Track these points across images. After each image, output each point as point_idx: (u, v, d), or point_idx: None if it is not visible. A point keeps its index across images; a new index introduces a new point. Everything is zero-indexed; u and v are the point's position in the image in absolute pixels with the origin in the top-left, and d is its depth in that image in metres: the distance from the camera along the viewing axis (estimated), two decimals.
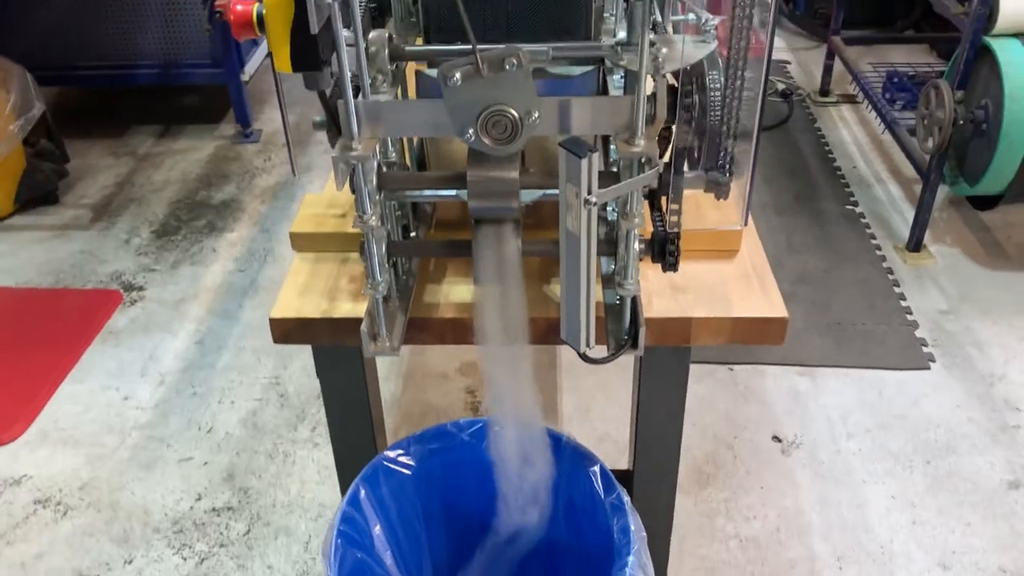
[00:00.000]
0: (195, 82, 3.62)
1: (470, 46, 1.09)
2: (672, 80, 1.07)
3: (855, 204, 3.18)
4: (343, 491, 1.48)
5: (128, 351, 2.54)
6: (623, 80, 1.13)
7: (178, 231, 3.11)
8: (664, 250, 1.08)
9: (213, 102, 3.92)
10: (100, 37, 3.45)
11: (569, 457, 1.26)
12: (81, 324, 2.65)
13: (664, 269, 1.11)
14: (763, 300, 1.24)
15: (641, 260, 1.11)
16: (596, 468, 1.22)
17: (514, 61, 0.88)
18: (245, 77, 3.57)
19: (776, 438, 2.22)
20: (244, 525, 2.02)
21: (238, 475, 2.14)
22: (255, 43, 3.75)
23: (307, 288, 1.29)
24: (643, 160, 0.98)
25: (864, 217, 3.11)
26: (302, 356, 2.48)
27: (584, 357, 1.08)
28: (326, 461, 2.16)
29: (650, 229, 1.13)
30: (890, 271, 2.81)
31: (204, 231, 3.11)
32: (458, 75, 0.89)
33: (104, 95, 4.03)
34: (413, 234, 1.29)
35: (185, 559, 1.94)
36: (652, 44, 0.93)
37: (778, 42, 4.56)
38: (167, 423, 2.30)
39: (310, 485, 2.11)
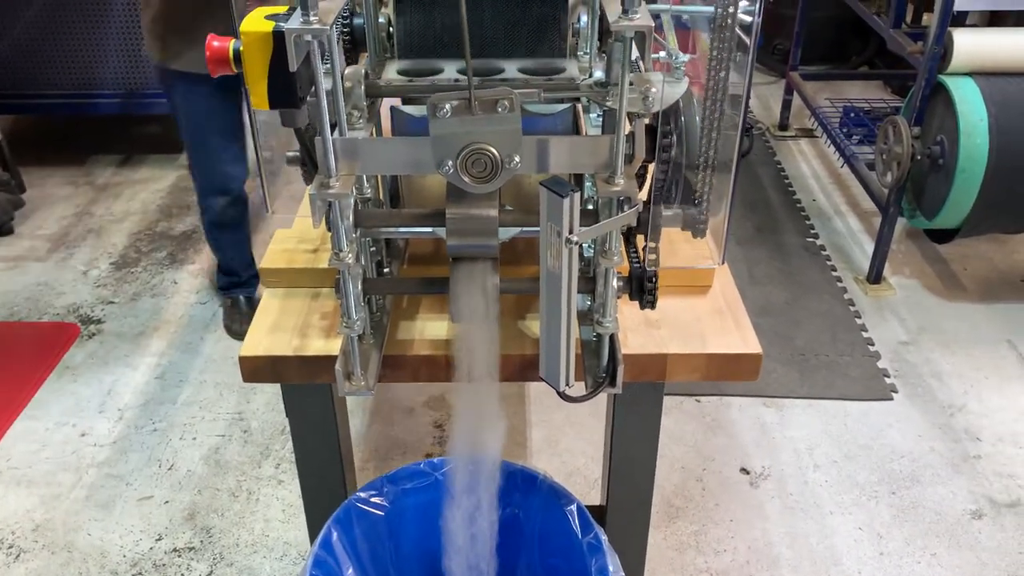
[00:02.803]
0: (157, 112, 3.57)
1: (446, 82, 1.10)
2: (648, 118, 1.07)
3: (815, 236, 3.24)
4: (311, 530, 1.45)
5: (85, 386, 2.48)
6: (600, 118, 1.13)
7: (138, 263, 3.05)
8: (642, 288, 1.08)
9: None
10: (59, 65, 3.39)
11: (545, 496, 1.24)
12: (37, 358, 2.58)
13: (642, 306, 1.11)
14: (737, 337, 1.25)
15: (618, 297, 1.10)
16: (573, 507, 1.21)
17: (506, 104, 0.88)
18: None
19: (744, 470, 2.23)
20: (206, 566, 1.96)
21: (200, 514, 2.09)
22: None
23: (277, 325, 1.27)
24: (622, 199, 0.98)
25: (824, 249, 3.16)
26: (266, 391, 2.44)
27: (563, 396, 1.08)
28: (291, 499, 2.12)
29: (627, 266, 1.13)
30: (851, 303, 2.86)
31: (165, 263, 3.05)
32: (448, 107, 0.88)
33: (63, 124, 3.97)
34: (387, 270, 1.28)
35: None
36: (631, 84, 0.94)
37: (738, 77, 4.64)
38: (126, 460, 2.24)
39: (275, 524, 2.06)
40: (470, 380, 1.07)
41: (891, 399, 2.46)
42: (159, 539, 2.02)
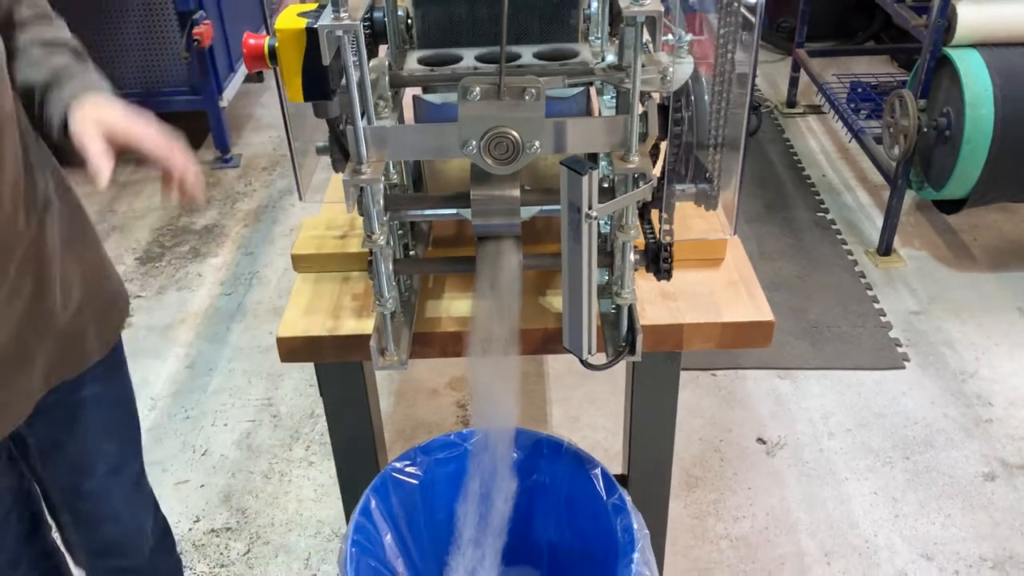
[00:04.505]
0: (173, 109, 3.63)
1: (466, 70, 1.15)
2: (658, 98, 1.13)
3: (825, 211, 3.28)
4: (345, 504, 1.53)
5: None
6: (613, 100, 1.19)
7: (162, 257, 3.13)
8: (658, 260, 1.13)
9: (192, 128, 3.93)
10: None
11: (570, 461, 1.31)
12: None
13: (658, 278, 1.17)
14: (750, 305, 1.31)
15: (635, 270, 1.16)
16: (597, 471, 1.27)
17: (533, 92, 0.93)
18: (223, 103, 3.60)
19: (761, 440, 2.28)
20: (244, 545, 2.04)
21: (235, 496, 2.16)
22: (232, 69, 3.79)
23: (311, 308, 1.33)
24: (637, 175, 1.04)
25: (835, 224, 3.20)
26: (293, 377, 2.51)
27: (586, 364, 1.14)
28: (322, 479, 2.19)
29: (643, 241, 1.19)
30: (862, 275, 2.90)
31: (188, 256, 3.13)
32: (478, 91, 0.94)
33: None
34: (412, 252, 1.34)
35: None
36: (644, 65, 0.99)
37: (745, 56, 4.66)
38: (161, 447, 2.31)
39: (307, 503, 2.14)
40: (490, 353, 1.12)
41: (903, 368, 2.51)
42: (197, 520, 2.10)
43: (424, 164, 1.38)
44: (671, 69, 1.01)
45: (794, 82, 4.05)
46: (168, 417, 2.41)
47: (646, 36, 1.03)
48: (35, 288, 1.07)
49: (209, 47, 3.38)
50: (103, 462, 1.28)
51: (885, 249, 2.98)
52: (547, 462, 1.33)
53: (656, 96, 1.10)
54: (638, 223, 1.10)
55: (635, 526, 1.18)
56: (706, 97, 1.05)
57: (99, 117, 1.01)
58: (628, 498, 1.23)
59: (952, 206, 2.93)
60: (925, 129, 2.68)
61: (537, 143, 1.00)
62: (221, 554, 2.02)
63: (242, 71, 3.86)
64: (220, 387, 2.51)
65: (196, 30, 3.28)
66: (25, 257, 1.05)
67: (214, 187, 3.57)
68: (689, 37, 1.03)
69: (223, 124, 3.64)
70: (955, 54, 2.57)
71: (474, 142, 0.99)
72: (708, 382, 2.47)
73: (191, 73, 3.47)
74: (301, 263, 1.42)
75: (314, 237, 1.45)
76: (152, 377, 2.55)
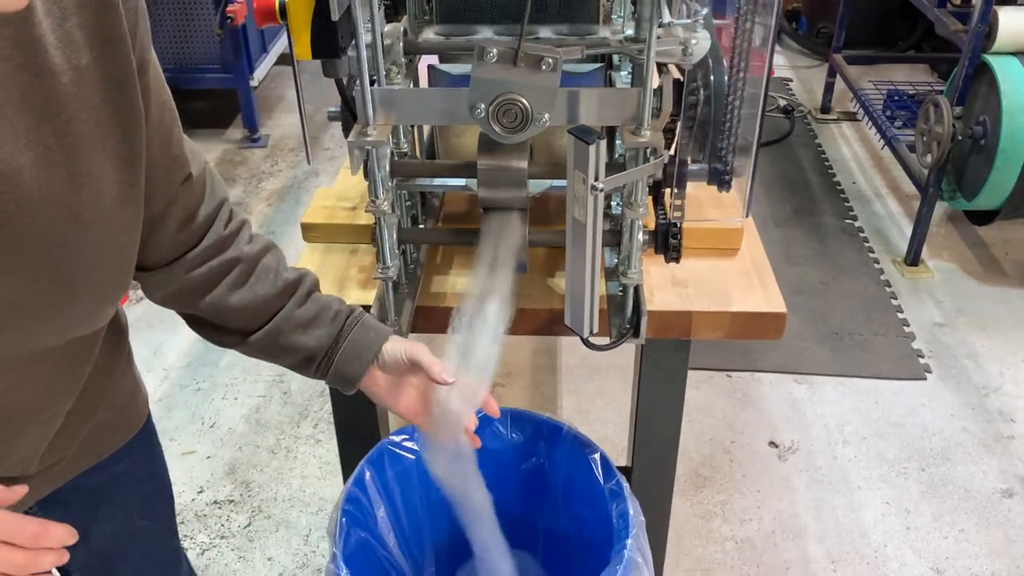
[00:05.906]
0: (205, 87, 3.66)
1: (482, 39, 1.13)
2: (677, 75, 1.10)
3: (854, 219, 3.22)
4: (346, 480, 1.51)
5: (133, 346, 2.56)
6: (630, 76, 1.16)
7: None
8: (667, 240, 1.11)
9: (222, 107, 3.96)
10: None
11: (570, 446, 1.28)
12: None
13: (667, 259, 1.14)
14: (762, 296, 1.27)
15: (644, 251, 1.14)
16: (596, 456, 1.24)
17: (550, 62, 0.91)
18: (254, 83, 3.61)
19: (773, 443, 2.24)
20: (245, 518, 2.04)
21: (240, 469, 2.16)
22: (265, 49, 3.80)
23: (318, 277, 1.32)
24: (648, 151, 1.02)
25: (863, 231, 3.14)
26: None
27: (587, 342, 1.11)
28: (328, 457, 2.18)
29: (654, 222, 1.16)
30: (888, 284, 2.85)
31: None
32: (495, 52, 0.92)
33: None
34: (422, 226, 1.32)
35: (186, 550, 1.96)
36: (659, 37, 0.97)
37: (780, 60, 4.61)
38: (171, 417, 2.32)
39: (311, 480, 2.13)
40: (482, 325, 1.07)
41: (924, 379, 2.45)
42: (201, 491, 2.10)
43: (438, 139, 1.37)
44: (693, 41, 0.98)
45: (829, 88, 3.99)
46: (179, 388, 2.42)
47: (668, 16, 1.01)
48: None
49: (242, 26, 3.39)
50: (136, 544, 1.14)
51: (913, 259, 2.92)
52: (546, 445, 1.31)
53: (674, 71, 1.08)
54: (648, 201, 1.07)
55: (631, 512, 1.15)
56: (724, 72, 1.02)
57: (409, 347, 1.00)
58: (626, 484, 1.20)
59: (983, 217, 2.86)
60: (960, 137, 2.62)
61: (547, 115, 0.98)
62: (222, 526, 2.02)
63: (275, 51, 3.87)
64: (233, 361, 2.51)
65: (230, 8, 3.29)
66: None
67: (240, 165, 3.59)
68: (706, 11, 1.01)
69: (253, 103, 3.66)
70: (995, 61, 2.52)
71: (483, 106, 0.96)
72: (723, 383, 2.44)
73: (224, 51, 3.48)
74: (310, 232, 1.42)
75: (325, 207, 1.44)
76: (166, 349, 2.56)
